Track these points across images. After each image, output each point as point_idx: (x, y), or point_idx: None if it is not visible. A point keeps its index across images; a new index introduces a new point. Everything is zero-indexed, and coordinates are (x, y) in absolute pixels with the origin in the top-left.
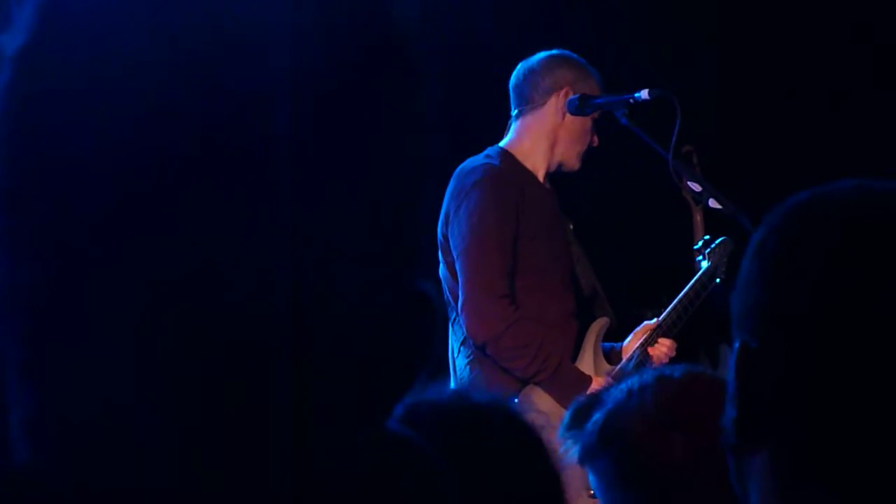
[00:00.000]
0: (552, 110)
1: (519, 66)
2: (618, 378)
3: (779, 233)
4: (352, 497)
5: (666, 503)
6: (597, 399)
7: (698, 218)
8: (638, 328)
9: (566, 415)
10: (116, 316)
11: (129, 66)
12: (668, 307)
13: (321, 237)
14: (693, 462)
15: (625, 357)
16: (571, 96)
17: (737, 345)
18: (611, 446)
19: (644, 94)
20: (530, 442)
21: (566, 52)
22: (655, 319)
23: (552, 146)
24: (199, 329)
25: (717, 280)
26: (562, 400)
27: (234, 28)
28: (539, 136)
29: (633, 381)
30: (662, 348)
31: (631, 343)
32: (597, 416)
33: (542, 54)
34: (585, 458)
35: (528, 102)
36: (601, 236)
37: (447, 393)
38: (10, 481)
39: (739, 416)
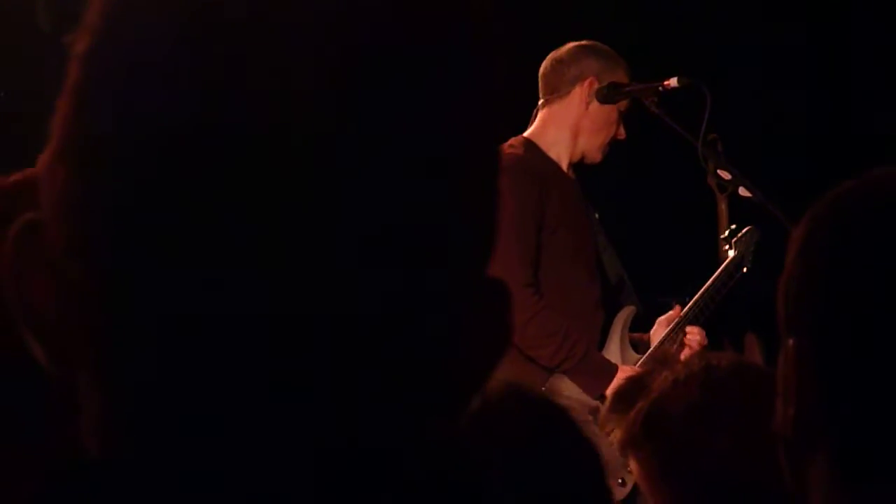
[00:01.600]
0: (576, 100)
1: (549, 55)
2: (655, 363)
3: (827, 228)
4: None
5: (710, 495)
6: (641, 385)
7: (723, 206)
8: (663, 317)
9: (610, 398)
10: None
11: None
12: (694, 296)
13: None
14: (738, 454)
15: (652, 345)
16: (601, 85)
17: (790, 342)
18: (655, 436)
19: (673, 81)
20: (569, 429)
21: (595, 42)
22: (680, 308)
23: (575, 136)
24: None
25: (744, 269)
26: (588, 388)
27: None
28: (562, 126)
29: (678, 371)
30: (695, 336)
31: (657, 331)
32: (641, 404)
33: (570, 44)
34: (628, 446)
35: (554, 91)
36: (627, 225)
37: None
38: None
39: (797, 414)
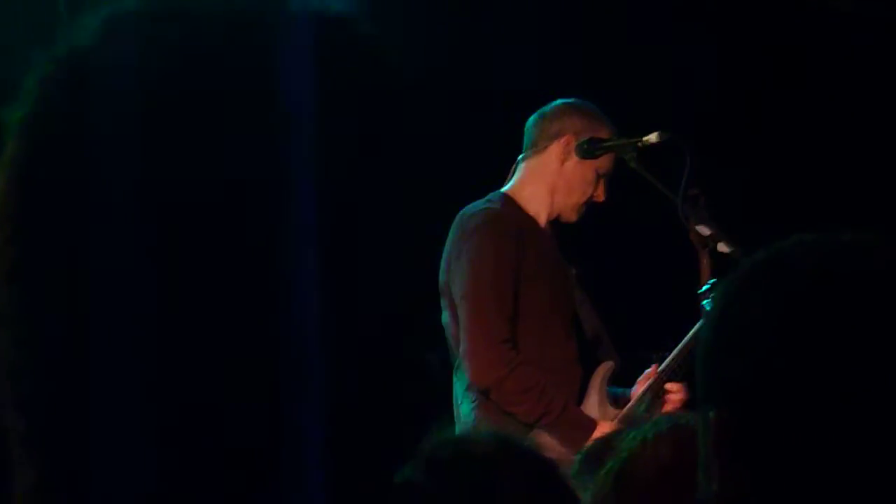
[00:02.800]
0: (553, 156)
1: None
2: (628, 422)
3: (741, 300)
4: None
5: None
6: (609, 446)
7: (705, 261)
8: (642, 376)
9: (576, 460)
10: None
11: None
12: (673, 350)
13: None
14: None
15: (633, 401)
16: (581, 139)
17: (710, 414)
18: (625, 495)
19: (653, 137)
20: (552, 478)
21: (583, 101)
22: (659, 365)
23: (551, 192)
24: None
25: None
26: (567, 444)
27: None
28: (539, 182)
29: (647, 430)
30: (676, 395)
31: (638, 388)
32: (611, 464)
33: (557, 101)
34: None
35: (533, 146)
36: (605, 280)
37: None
38: None
39: (720, 489)
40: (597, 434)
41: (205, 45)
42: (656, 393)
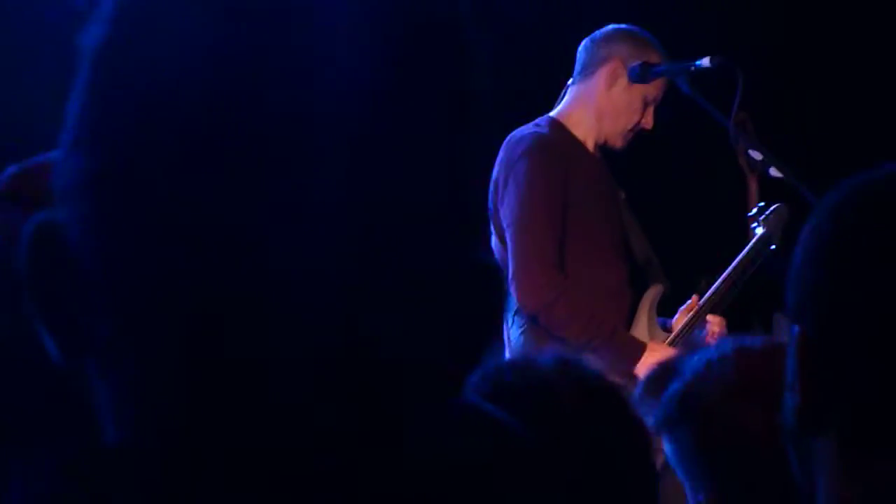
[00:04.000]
0: (600, 81)
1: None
2: (685, 345)
3: (835, 220)
4: (443, 484)
5: (746, 474)
6: (671, 369)
7: (753, 186)
8: (684, 306)
9: (642, 382)
10: None
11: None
12: (721, 274)
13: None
14: (774, 434)
15: (676, 331)
16: (633, 64)
17: (795, 331)
18: (691, 416)
19: (705, 61)
20: (616, 402)
21: (633, 27)
22: (701, 295)
23: (598, 118)
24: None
25: (772, 246)
26: (618, 367)
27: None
28: (586, 106)
29: (711, 352)
30: (714, 328)
31: (679, 320)
32: (675, 386)
33: (609, 27)
34: (663, 427)
35: (582, 71)
36: (656, 204)
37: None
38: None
39: (802, 403)
40: (647, 357)
41: None
42: (700, 322)
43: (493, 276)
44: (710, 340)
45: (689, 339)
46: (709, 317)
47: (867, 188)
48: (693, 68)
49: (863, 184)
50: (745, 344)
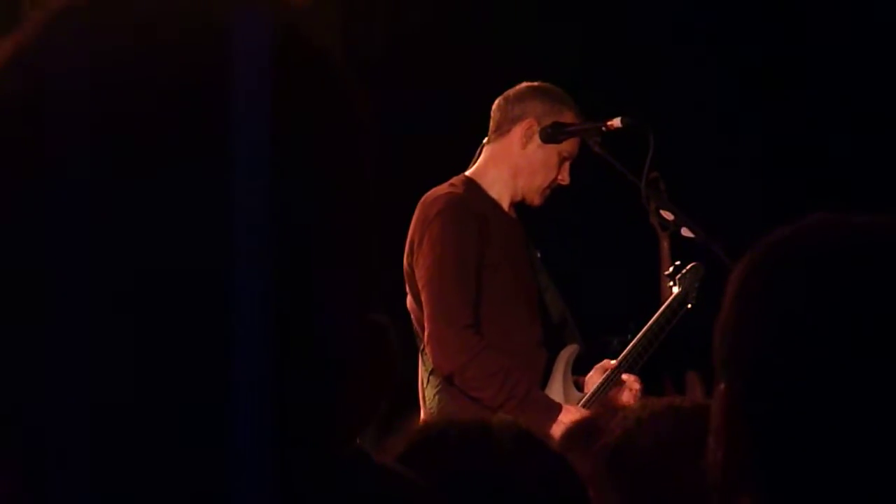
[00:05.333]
0: (515, 139)
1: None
2: (603, 406)
3: (759, 275)
4: None
5: None
6: (591, 428)
7: (665, 245)
8: (599, 364)
9: (563, 438)
10: None
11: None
12: (637, 334)
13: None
14: (705, 490)
15: (587, 391)
16: (544, 123)
17: (721, 386)
18: (623, 470)
19: (616, 121)
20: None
21: (547, 84)
22: (618, 354)
23: (513, 176)
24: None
25: (689, 305)
26: (532, 427)
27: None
28: (501, 165)
29: (637, 410)
30: (633, 386)
31: (593, 377)
32: (603, 443)
33: (521, 85)
34: (591, 481)
35: (496, 130)
36: (571, 265)
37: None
38: None
39: (726, 457)
40: (563, 417)
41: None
42: (614, 382)
43: (383, 335)
44: (628, 399)
45: (603, 399)
46: (625, 376)
47: (790, 245)
48: (604, 128)
49: (786, 241)
50: (675, 402)
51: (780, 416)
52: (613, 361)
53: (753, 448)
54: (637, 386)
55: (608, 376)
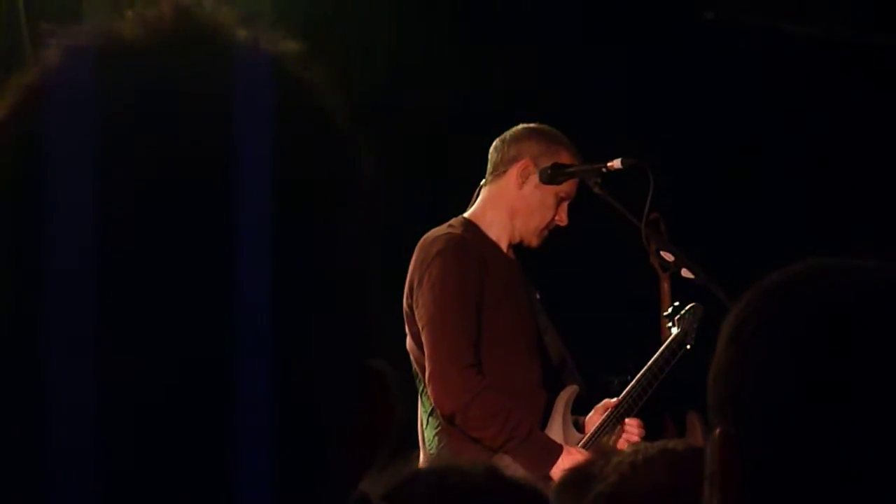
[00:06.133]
0: (511, 181)
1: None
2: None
3: (754, 320)
4: None
5: None
6: (588, 472)
7: (665, 286)
8: (599, 404)
9: (557, 486)
10: None
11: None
12: (636, 375)
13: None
14: None
15: (587, 431)
16: (541, 163)
17: (717, 431)
18: None
19: (616, 163)
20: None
21: (543, 126)
22: (616, 397)
23: (511, 217)
24: None
25: (687, 346)
26: (533, 468)
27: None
28: (499, 206)
29: (632, 455)
30: (633, 430)
31: (593, 418)
32: (600, 489)
33: (519, 126)
34: None
35: (493, 171)
36: (571, 305)
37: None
38: None
39: (722, 502)
40: (564, 458)
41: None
42: (615, 424)
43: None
44: (628, 444)
45: (597, 444)
46: (627, 420)
47: (785, 290)
48: (604, 170)
49: (781, 286)
50: (669, 446)
51: (775, 463)
52: (614, 400)
53: (749, 494)
54: (638, 433)
55: (608, 416)
